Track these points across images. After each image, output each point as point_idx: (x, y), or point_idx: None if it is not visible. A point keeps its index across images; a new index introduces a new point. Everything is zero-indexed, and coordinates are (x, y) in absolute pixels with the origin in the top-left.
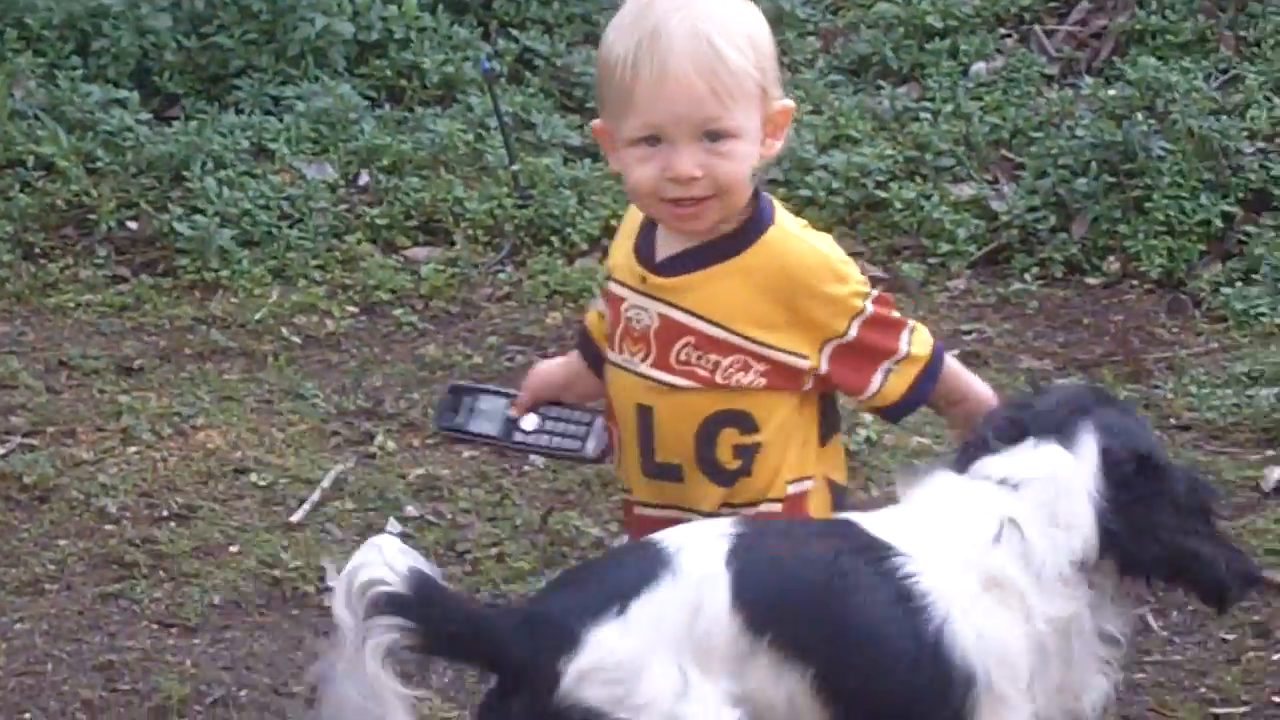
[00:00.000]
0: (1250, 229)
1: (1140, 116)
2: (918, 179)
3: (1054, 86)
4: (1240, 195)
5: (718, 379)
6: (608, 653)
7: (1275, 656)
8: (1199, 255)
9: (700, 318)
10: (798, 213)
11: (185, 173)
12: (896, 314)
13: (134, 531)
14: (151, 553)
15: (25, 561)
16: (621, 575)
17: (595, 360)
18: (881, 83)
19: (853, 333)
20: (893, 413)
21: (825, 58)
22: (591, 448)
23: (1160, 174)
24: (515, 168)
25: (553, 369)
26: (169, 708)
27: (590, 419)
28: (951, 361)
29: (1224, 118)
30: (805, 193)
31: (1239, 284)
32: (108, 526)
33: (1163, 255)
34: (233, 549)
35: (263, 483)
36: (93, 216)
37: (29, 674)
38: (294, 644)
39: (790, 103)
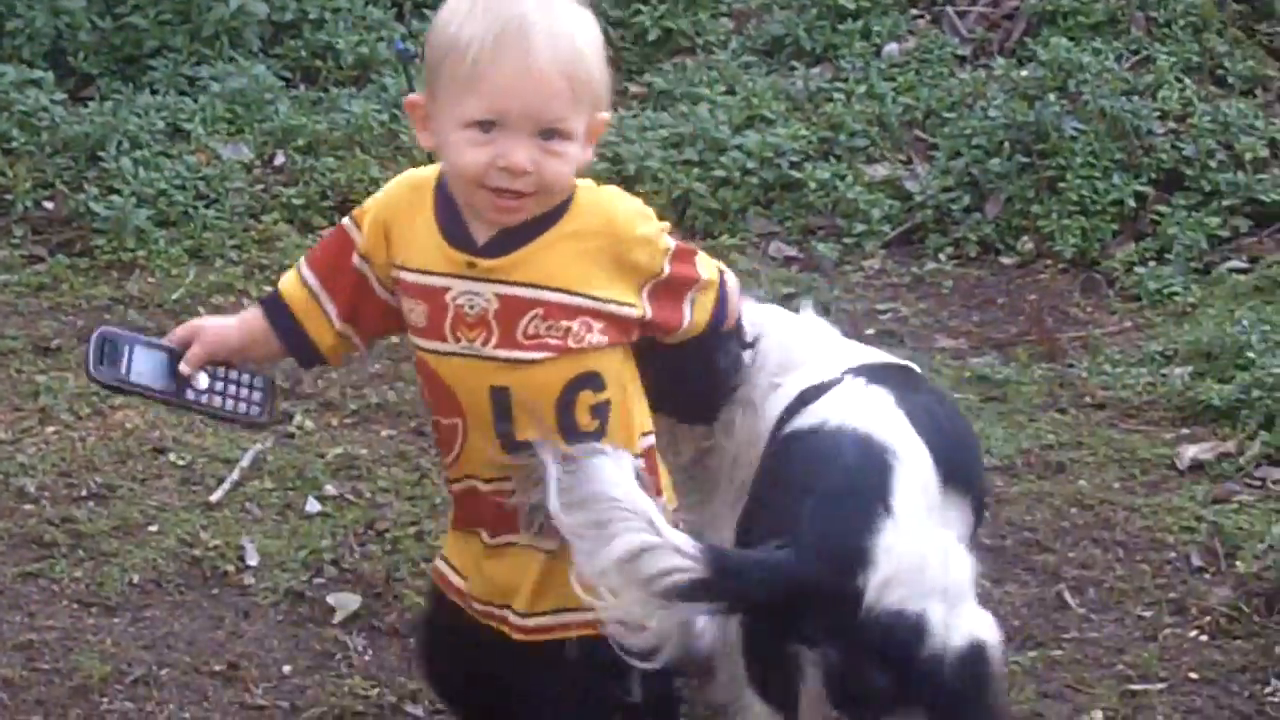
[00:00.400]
0: (1162, 209)
1: (1052, 97)
2: (832, 159)
3: (966, 67)
4: (1152, 175)
5: (570, 344)
6: (897, 557)
7: (1192, 634)
8: (1112, 235)
9: (543, 288)
10: (712, 193)
11: (101, 153)
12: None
13: (53, 511)
14: (71, 532)
15: None
16: (861, 478)
17: (289, 331)
18: (795, 63)
19: (666, 269)
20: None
21: (738, 38)
22: (269, 413)
23: (1073, 154)
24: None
25: (227, 329)
26: (90, 687)
27: (264, 383)
28: (732, 281)
29: (1135, 98)
30: (720, 173)
31: (1152, 263)
32: (26, 506)
33: (1076, 235)
34: (152, 528)
35: (181, 462)
36: (8, 197)
37: None
38: (214, 623)
39: (608, 115)
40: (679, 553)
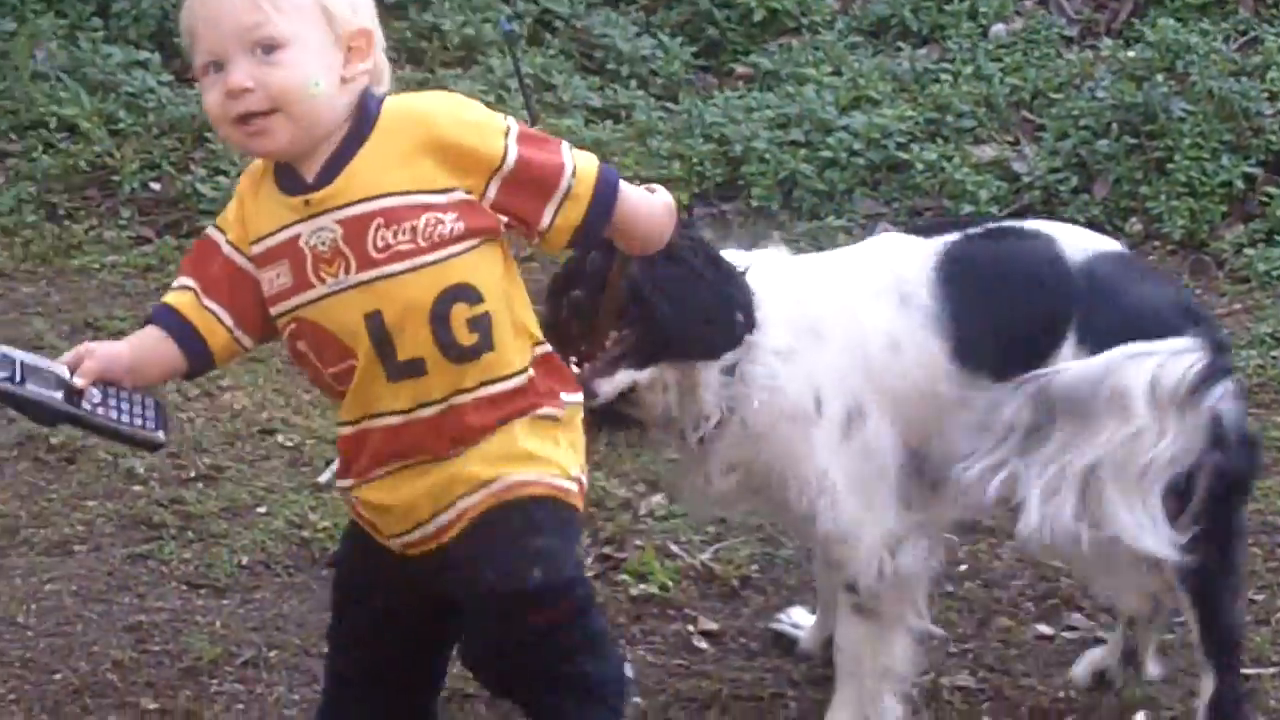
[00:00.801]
0: (1272, 190)
1: (1160, 78)
2: (939, 140)
3: (1074, 48)
4: (1261, 157)
5: (421, 242)
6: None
7: None
8: (1221, 216)
9: (374, 198)
10: (819, 174)
11: (207, 134)
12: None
13: (162, 492)
14: (180, 513)
15: (54, 522)
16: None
17: (182, 330)
18: (901, 44)
19: (512, 153)
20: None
21: (844, 19)
22: (165, 430)
23: (1181, 135)
24: (536, 129)
25: (117, 347)
26: (199, 668)
27: (154, 402)
28: (626, 188)
29: (1244, 79)
30: (826, 154)
31: (1261, 245)
32: (136, 487)
33: (1184, 216)
34: (260, 510)
35: (289, 444)
36: (116, 178)
37: (59, 635)
38: (323, 604)
39: (367, 24)
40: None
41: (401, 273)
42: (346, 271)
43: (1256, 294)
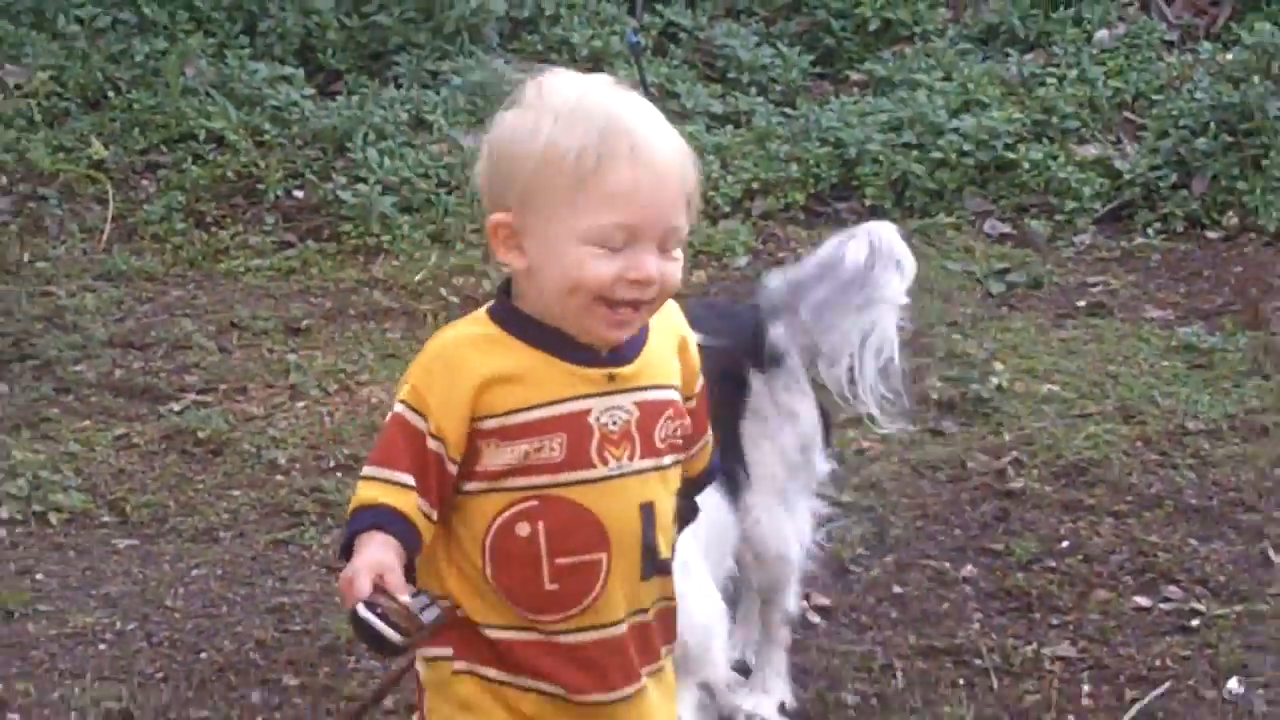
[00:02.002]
0: None
1: (1257, 79)
2: (1044, 140)
3: (1174, 52)
4: None
5: (678, 440)
6: None
7: None
8: None
9: (665, 387)
10: (930, 174)
11: (348, 144)
12: None
13: (303, 481)
14: (319, 501)
15: (201, 511)
16: None
17: (413, 541)
18: (1009, 50)
19: (701, 383)
20: (697, 483)
21: (955, 26)
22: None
23: (1276, 134)
24: None
25: (386, 557)
26: (337, 646)
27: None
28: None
29: None
30: (937, 155)
31: None
32: (278, 477)
33: (1279, 210)
34: None
35: None
36: (261, 186)
37: (205, 616)
38: None
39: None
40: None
41: (668, 467)
42: (631, 457)
43: None
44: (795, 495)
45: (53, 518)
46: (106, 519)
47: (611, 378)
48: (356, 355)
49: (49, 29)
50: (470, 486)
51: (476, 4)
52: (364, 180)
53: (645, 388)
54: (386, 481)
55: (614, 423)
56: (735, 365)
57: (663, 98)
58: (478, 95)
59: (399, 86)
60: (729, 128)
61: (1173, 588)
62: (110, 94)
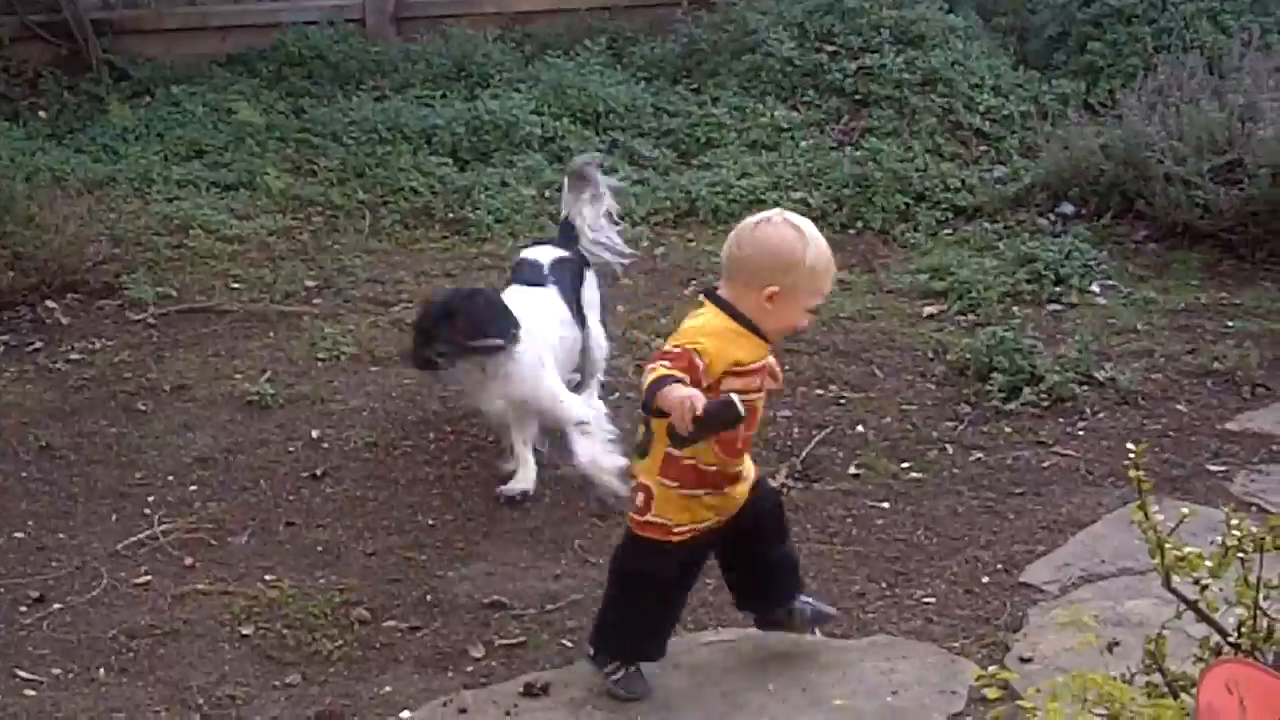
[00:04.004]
0: None
1: (874, 165)
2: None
3: (845, 150)
4: None
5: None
6: None
7: None
8: None
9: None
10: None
11: None
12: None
13: None
14: None
15: None
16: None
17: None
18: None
19: None
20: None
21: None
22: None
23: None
24: None
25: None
26: None
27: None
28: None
29: None
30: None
31: None
32: None
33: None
34: None
35: None
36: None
37: None
38: None
39: None
40: None
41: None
42: (762, 385)
43: None
44: (602, 324)
45: None
46: None
47: (767, 348)
48: None
49: None
50: (744, 399)
51: None
52: None
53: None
54: (669, 371)
55: (762, 366)
56: (579, 263)
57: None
58: None
59: None
60: None
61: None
62: None
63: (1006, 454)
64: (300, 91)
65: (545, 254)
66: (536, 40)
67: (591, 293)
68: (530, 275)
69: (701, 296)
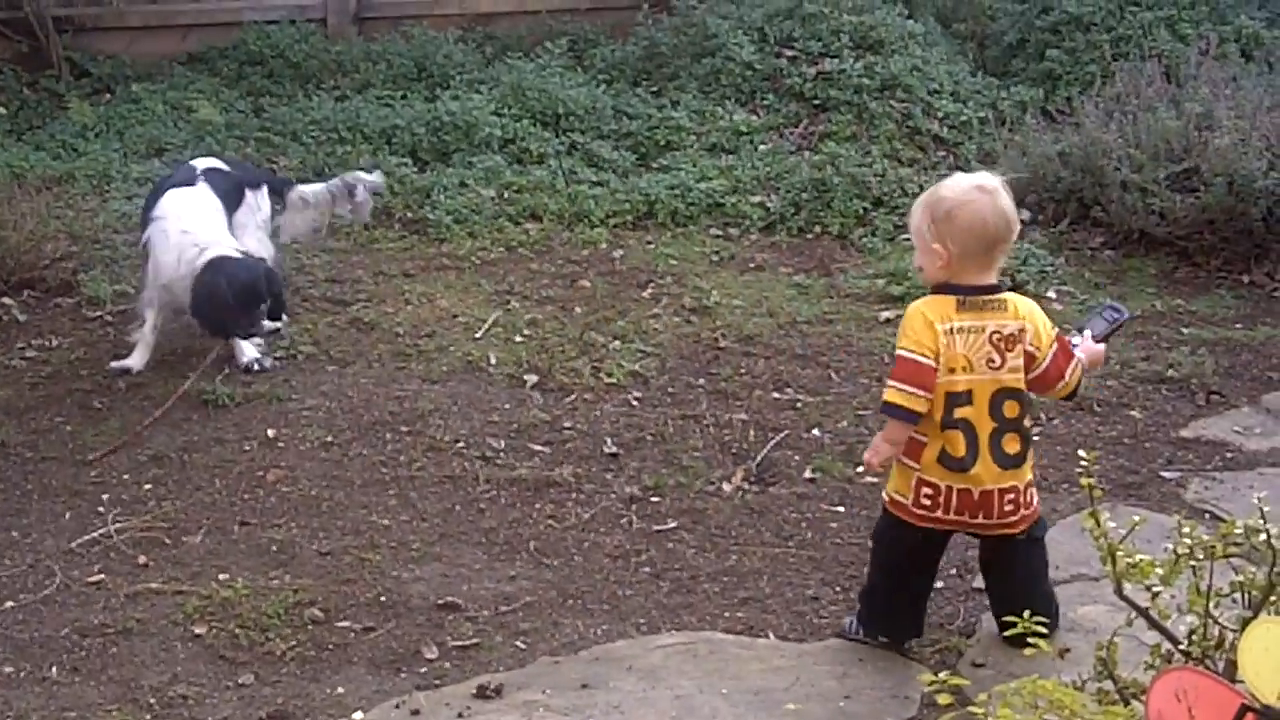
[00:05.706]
0: None
1: (830, 169)
2: (736, 194)
3: (801, 154)
4: None
5: None
6: None
7: None
8: None
9: None
10: (686, 207)
11: None
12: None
13: None
14: None
15: None
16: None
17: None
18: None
19: None
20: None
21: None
22: None
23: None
24: None
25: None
26: None
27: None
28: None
29: None
30: (691, 199)
31: None
32: None
33: (836, 225)
34: None
35: None
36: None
37: None
38: None
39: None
40: None
41: None
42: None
43: None
44: (261, 231)
45: None
46: None
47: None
48: None
49: None
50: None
51: None
52: None
53: None
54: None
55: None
56: (243, 181)
57: None
58: None
59: None
60: None
61: (791, 391)
62: None
63: None
64: (261, 90)
65: (205, 163)
66: (498, 42)
67: (245, 215)
68: (183, 176)
69: None
